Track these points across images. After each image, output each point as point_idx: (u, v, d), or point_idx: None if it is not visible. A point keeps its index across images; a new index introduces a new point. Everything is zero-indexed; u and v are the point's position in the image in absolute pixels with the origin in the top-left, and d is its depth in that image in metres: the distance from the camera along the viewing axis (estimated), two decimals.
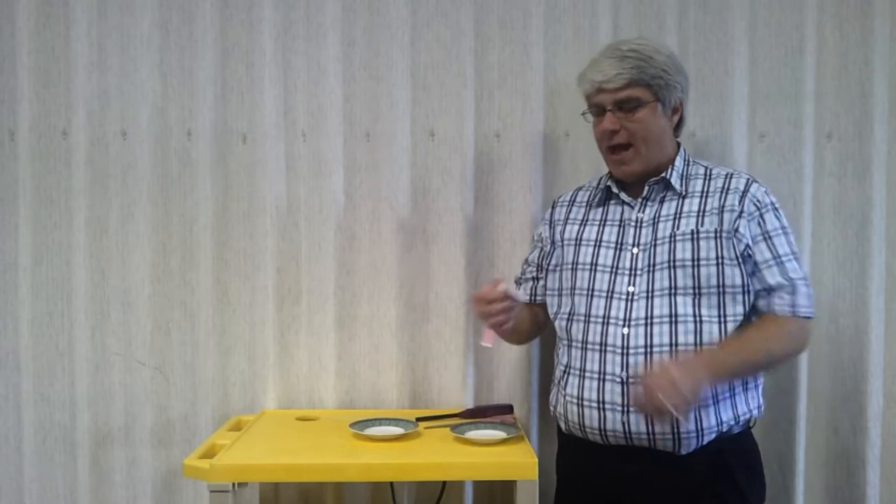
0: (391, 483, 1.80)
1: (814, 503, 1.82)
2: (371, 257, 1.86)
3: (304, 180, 1.86)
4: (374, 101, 1.85)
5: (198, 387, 1.85)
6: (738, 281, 1.44)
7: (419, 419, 1.65)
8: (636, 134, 1.49)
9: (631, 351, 1.45)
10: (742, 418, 1.48)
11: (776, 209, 1.50)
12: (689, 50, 1.83)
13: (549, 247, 1.65)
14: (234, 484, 1.38)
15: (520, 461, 1.41)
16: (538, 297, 1.67)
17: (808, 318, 1.46)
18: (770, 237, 1.46)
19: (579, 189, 1.69)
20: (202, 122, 1.84)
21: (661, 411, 1.31)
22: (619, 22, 1.83)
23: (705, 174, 1.54)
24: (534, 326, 1.68)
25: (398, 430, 1.57)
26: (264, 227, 1.85)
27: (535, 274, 1.68)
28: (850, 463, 1.81)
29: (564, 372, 1.56)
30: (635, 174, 1.52)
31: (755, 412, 1.51)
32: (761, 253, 1.46)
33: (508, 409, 1.76)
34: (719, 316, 1.45)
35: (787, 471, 1.80)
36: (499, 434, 1.53)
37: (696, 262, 1.45)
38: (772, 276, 1.45)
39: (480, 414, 1.72)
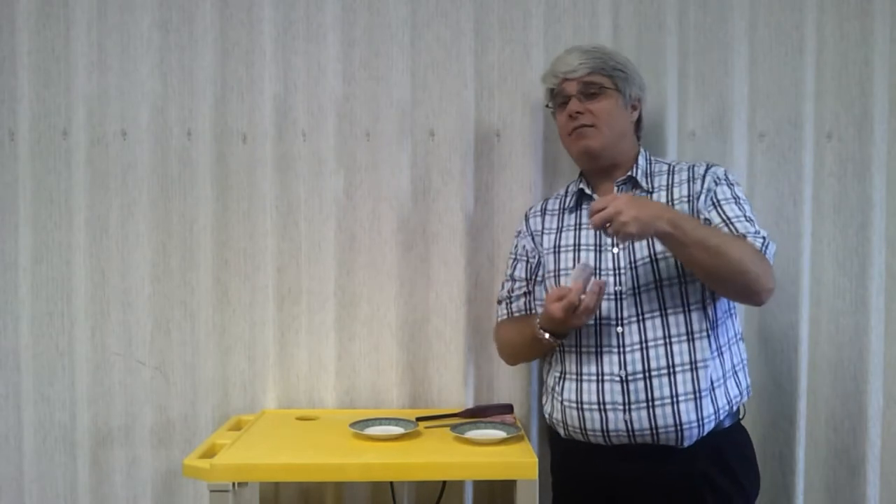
0: (391, 483, 1.80)
1: (813, 502, 1.82)
2: (371, 257, 1.86)
3: (304, 180, 1.86)
4: (374, 101, 1.85)
5: (198, 387, 1.85)
6: None
7: (419, 419, 1.65)
8: (599, 116, 1.54)
9: (627, 349, 1.47)
10: (735, 401, 1.50)
11: (731, 184, 1.52)
12: (689, 50, 1.83)
13: (536, 258, 1.65)
14: (234, 484, 1.38)
15: (520, 461, 1.41)
16: (537, 312, 1.64)
17: (765, 255, 1.42)
18: (720, 204, 1.49)
19: (547, 199, 1.71)
20: (202, 122, 1.84)
21: (609, 221, 1.31)
22: (619, 22, 1.83)
23: (668, 169, 1.58)
24: None
25: (398, 430, 1.57)
26: (264, 227, 1.85)
27: (526, 288, 1.67)
28: (850, 462, 1.81)
29: (560, 378, 1.56)
30: (593, 151, 1.56)
31: (745, 394, 1.54)
32: (712, 220, 1.47)
33: (508, 409, 1.75)
34: (703, 300, 1.47)
35: (787, 470, 1.80)
36: (499, 434, 1.53)
37: None
38: None
39: (480, 414, 1.72)
